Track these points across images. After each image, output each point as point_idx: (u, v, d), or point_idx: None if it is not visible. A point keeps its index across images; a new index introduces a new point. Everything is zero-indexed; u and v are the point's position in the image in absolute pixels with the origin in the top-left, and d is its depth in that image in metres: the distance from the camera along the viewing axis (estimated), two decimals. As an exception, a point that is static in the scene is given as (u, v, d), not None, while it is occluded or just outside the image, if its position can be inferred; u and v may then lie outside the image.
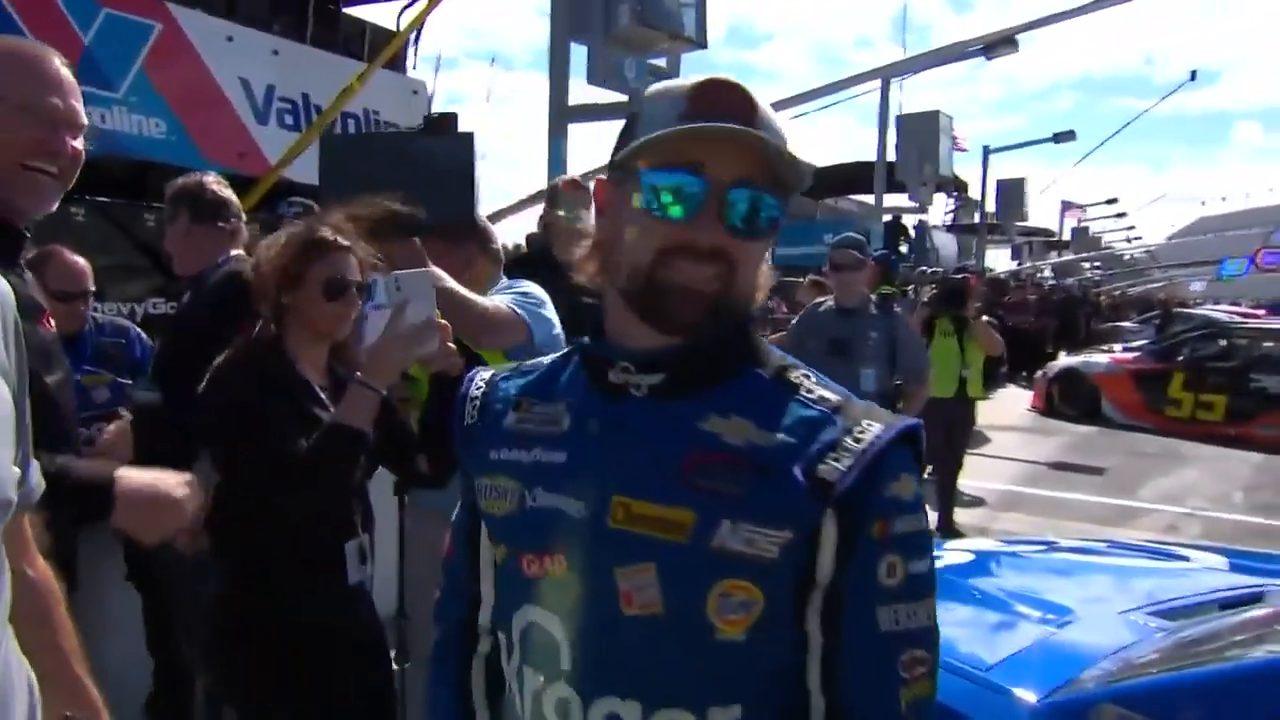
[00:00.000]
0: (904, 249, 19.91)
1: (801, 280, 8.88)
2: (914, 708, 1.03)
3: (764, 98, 1.04)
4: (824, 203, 26.78)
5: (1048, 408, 13.67)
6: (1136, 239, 62.50)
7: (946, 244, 26.28)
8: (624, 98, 7.97)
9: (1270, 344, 12.22)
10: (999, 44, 15.85)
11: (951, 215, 32.02)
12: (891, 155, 20.53)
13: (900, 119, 21.65)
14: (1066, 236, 44.36)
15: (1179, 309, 24.45)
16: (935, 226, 27.71)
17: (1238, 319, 17.15)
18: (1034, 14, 15.24)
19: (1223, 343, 12.73)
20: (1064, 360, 15.37)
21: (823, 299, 5.34)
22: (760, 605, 1.02)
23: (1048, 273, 34.42)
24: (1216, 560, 2.93)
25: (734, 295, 1.04)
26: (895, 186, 21.82)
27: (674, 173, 1.01)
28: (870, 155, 21.41)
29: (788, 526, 1.01)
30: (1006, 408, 13.87)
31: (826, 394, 1.08)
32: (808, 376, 1.10)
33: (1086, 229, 49.68)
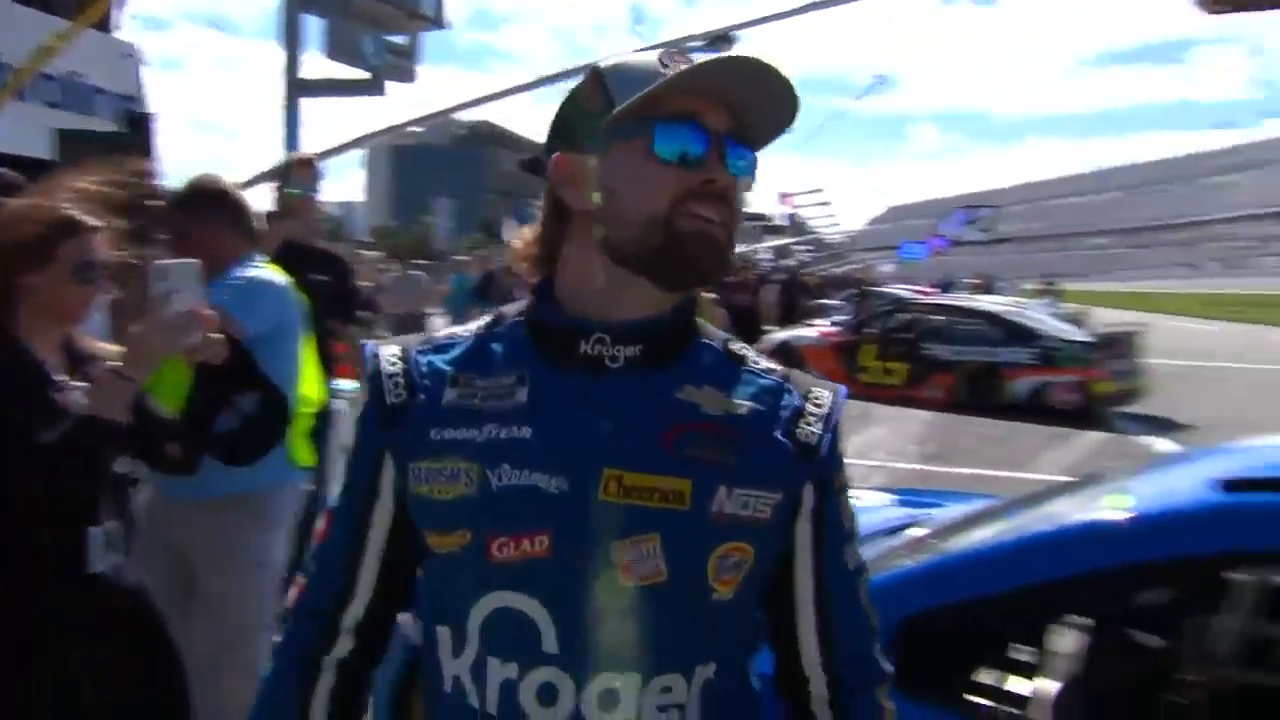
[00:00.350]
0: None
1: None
2: (875, 633, 1.15)
3: None
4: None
5: None
6: (836, 224, 67.67)
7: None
8: (365, 74, 7.72)
9: (937, 318, 13.59)
10: (719, 39, 16.59)
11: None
12: None
13: None
14: (783, 222, 47.12)
15: (872, 288, 26.66)
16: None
17: (917, 296, 18.97)
18: (754, 14, 16.05)
19: (904, 317, 14.04)
20: (778, 334, 16.31)
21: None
22: (750, 563, 1.06)
23: (765, 255, 36.52)
24: (884, 498, 3.33)
25: (732, 247, 1.06)
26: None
27: (683, 123, 1.01)
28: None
29: (778, 488, 1.06)
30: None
31: (769, 364, 1.13)
32: (746, 348, 1.14)
33: (793, 215, 53.07)
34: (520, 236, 1.12)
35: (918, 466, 8.91)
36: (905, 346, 13.29)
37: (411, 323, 14.73)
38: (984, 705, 1.92)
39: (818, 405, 1.10)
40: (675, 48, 1.07)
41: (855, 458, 8.94)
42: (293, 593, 1.19)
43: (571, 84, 1.10)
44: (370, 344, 1.13)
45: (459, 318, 15.94)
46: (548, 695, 1.02)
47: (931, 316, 13.73)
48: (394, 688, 2.42)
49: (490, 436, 1.03)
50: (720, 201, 1.02)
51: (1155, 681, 2.04)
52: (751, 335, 18.42)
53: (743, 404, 1.07)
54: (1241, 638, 2.04)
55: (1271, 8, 7.72)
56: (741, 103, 1.03)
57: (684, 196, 1.01)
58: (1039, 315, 14.05)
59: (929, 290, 29.94)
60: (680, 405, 1.05)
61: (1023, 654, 2.01)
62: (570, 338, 1.05)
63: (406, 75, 14.93)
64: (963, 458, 9.23)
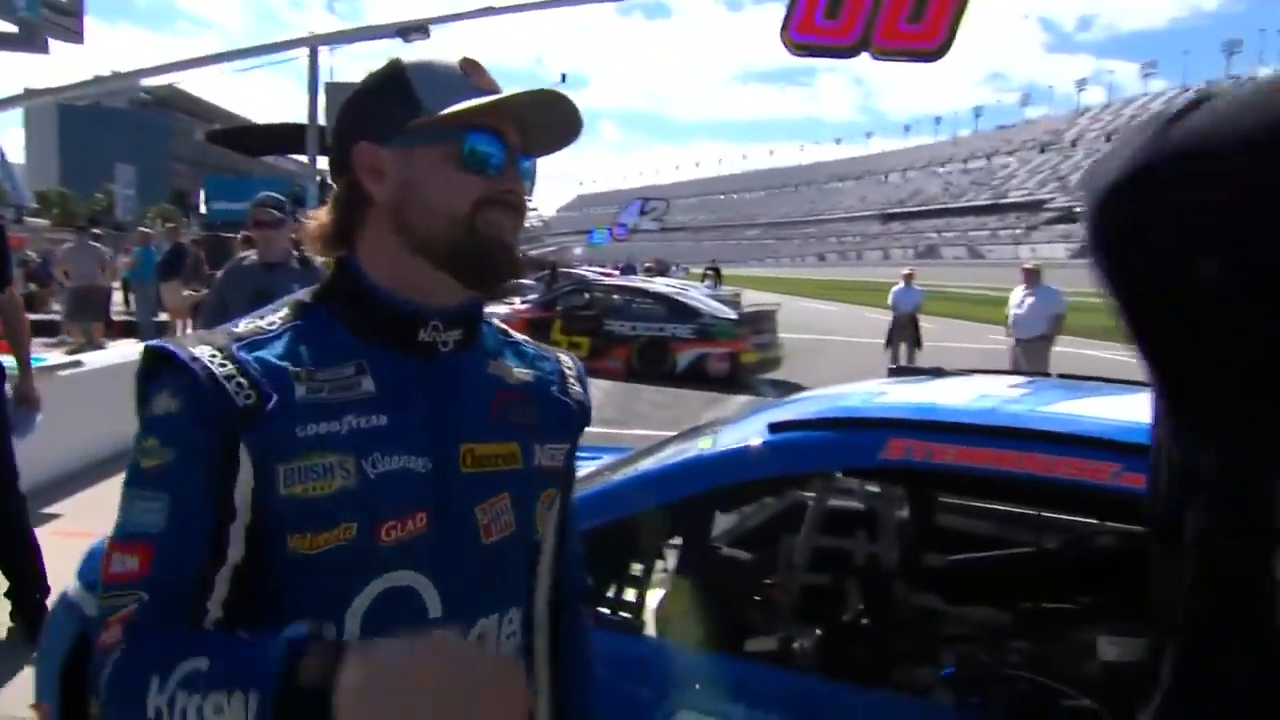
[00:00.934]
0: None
1: (236, 235, 8.47)
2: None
3: None
4: (264, 160, 25.18)
5: None
6: (533, 209, 68.50)
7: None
8: (13, 28, 6.83)
9: (616, 297, 14.26)
10: (412, 30, 16.26)
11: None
12: (324, 119, 19.99)
13: (329, 86, 21.16)
14: None
15: (564, 269, 27.24)
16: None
17: (600, 277, 19.70)
18: (450, 7, 15.85)
19: (587, 296, 14.58)
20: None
21: (246, 253, 5.22)
22: (555, 504, 1.18)
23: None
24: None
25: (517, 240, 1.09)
26: (328, 150, 21.30)
27: (489, 135, 1.01)
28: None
29: (565, 439, 1.17)
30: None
31: (526, 338, 1.23)
32: (500, 324, 1.20)
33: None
34: (314, 217, 1.09)
35: (599, 429, 9.33)
36: (589, 323, 13.78)
37: (91, 297, 13.21)
38: (602, 612, 2.20)
39: (570, 368, 1.23)
40: (475, 61, 1.07)
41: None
42: (109, 634, 0.90)
43: (279, 59, 1.09)
44: (169, 346, 0.97)
45: (145, 292, 14.48)
46: None
47: (612, 296, 14.34)
48: (65, 657, 2.36)
49: (353, 427, 0.98)
50: (514, 210, 1.04)
51: (745, 587, 2.44)
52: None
53: (526, 372, 1.16)
54: (806, 549, 2.51)
55: (843, 56, 8.85)
56: (534, 124, 1.06)
57: (485, 202, 1.01)
58: (700, 296, 15.16)
59: (611, 272, 31.22)
60: (492, 379, 1.11)
61: (637, 570, 2.34)
62: (408, 324, 1.04)
63: (72, 33, 13.26)
64: (637, 421, 9.82)
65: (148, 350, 0.99)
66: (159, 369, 0.97)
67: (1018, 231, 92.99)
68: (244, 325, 1.03)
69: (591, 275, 21.61)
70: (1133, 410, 1.90)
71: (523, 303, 16.39)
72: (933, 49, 8.22)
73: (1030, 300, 10.29)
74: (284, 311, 1.05)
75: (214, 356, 0.97)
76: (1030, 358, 10.17)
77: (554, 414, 1.16)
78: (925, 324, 14.49)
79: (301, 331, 1.02)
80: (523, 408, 1.12)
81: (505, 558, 1.07)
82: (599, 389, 12.23)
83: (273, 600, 0.96)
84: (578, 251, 68.83)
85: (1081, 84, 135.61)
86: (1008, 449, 1.92)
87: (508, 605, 1.09)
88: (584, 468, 3.08)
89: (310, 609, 0.93)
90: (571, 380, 1.21)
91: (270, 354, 0.99)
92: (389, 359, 1.03)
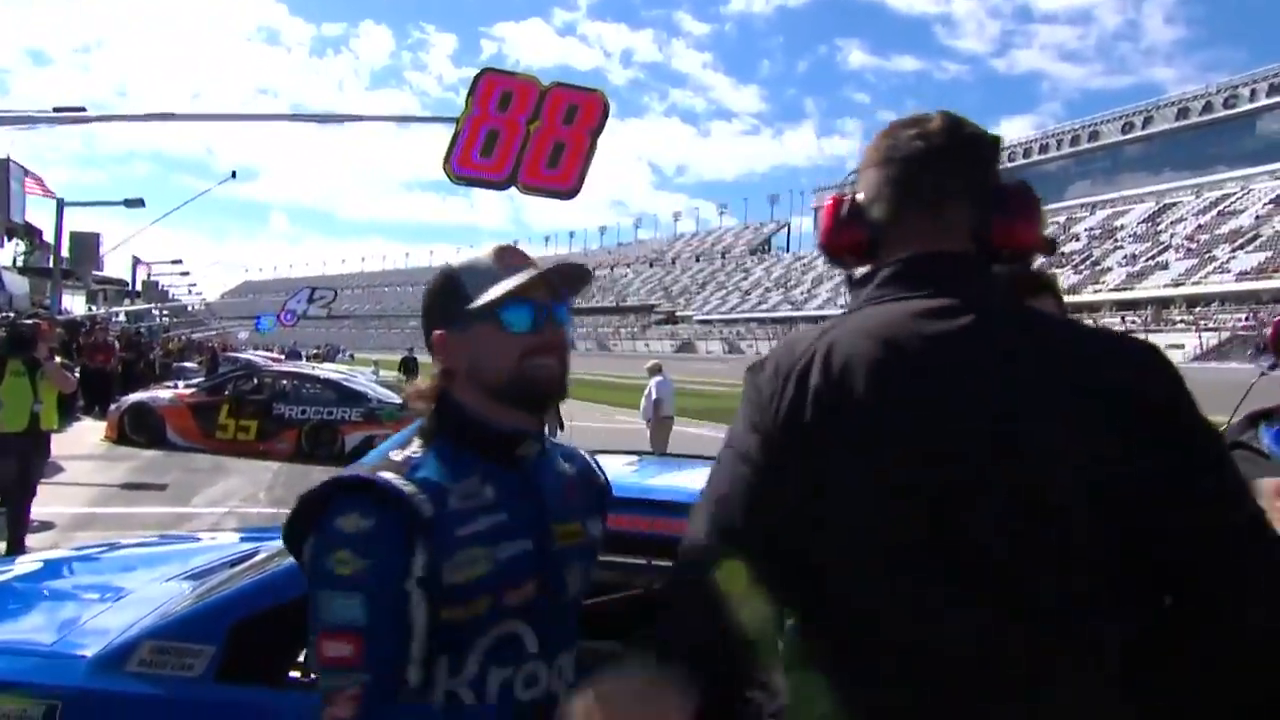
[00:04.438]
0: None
1: None
2: None
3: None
4: None
5: (120, 436, 12.74)
6: (199, 293, 61.47)
7: (19, 285, 22.33)
8: None
9: (285, 382, 13.38)
10: (71, 111, 14.26)
11: (24, 259, 27.27)
12: None
13: None
14: (139, 287, 41.29)
15: (228, 353, 24.86)
16: (5, 268, 23.30)
17: (268, 362, 18.31)
18: (112, 85, 14.08)
19: (255, 380, 13.54)
20: (134, 396, 14.44)
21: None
22: (591, 560, 1.34)
23: (122, 318, 31.67)
24: (234, 537, 3.42)
25: (567, 371, 1.27)
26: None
27: (519, 305, 1.21)
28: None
29: (597, 515, 1.37)
30: (83, 438, 12.61)
31: (559, 441, 1.43)
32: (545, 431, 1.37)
33: (157, 283, 47.04)
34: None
35: (267, 510, 8.69)
36: (257, 406, 12.80)
37: None
38: (295, 678, 2.17)
39: (593, 461, 1.44)
40: (507, 246, 1.30)
41: (209, 505, 8.60)
42: (339, 709, 1.09)
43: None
44: (364, 475, 1.14)
45: None
46: (531, 681, 1.21)
47: (280, 381, 13.46)
48: None
49: (488, 525, 1.18)
50: (553, 350, 1.23)
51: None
52: (106, 395, 15.89)
53: (572, 467, 1.37)
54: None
55: (496, 189, 9.43)
56: (559, 277, 1.27)
57: (529, 352, 1.21)
58: (366, 382, 14.71)
59: (278, 357, 28.99)
60: (560, 474, 1.33)
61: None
62: (510, 442, 1.25)
63: None
64: (305, 499, 9.28)
65: (339, 480, 1.15)
66: (338, 495, 1.14)
67: (635, 329, 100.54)
68: (395, 454, 1.20)
69: (260, 360, 19.98)
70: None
71: (186, 386, 14.78)
72: (566, 189, 8.99)
73: (659, 388, 11.38)
74: (417, 441, 1.22)
75: (402, 482, 1.14)
76: (659, 434, 11.19)
77: (593, 496, 1.38)
78: (566, 407, 15.21)
79: (438, 455, 1.20)
80: (579, 494, 1.34)
81: (575, 609, 1.30)
82: (267, 470, 11.35)
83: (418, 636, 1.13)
84: (243, 336, 62.83)
85: (677, 215, 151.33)
86: (621, 514, 2.22)
87: (571, 644, 1.29)
88: (266, 546, 2.98)
89: (448, 649, 1.15)
90: (595, 470, 1.42)
91: (428, 474, 1.17)
92: (496, 471, 1.22)
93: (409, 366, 24.96)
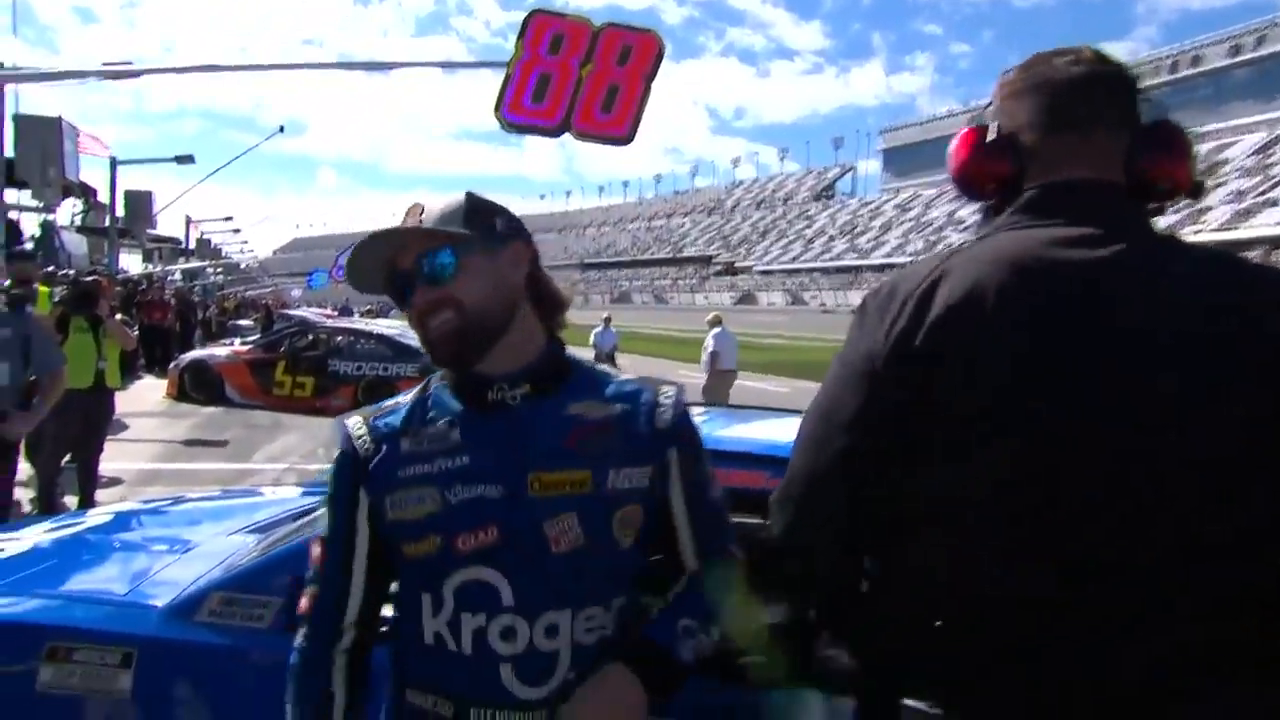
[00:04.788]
0: (29, 247, 17.05)
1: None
2: (730, 535, 1.34)
3: (432, 206, 1.26)
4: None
5: (180, 394, 13.24)
6: (250, 250, 63.02)
7: (77, 245, 23.22)
8: None
9: (340, 338, 13.67)
10: (121, 74, 14.65)
11: (80, 218, 28.26)
12: (11, 152, 17.20)
13: (19, 119, 18.22)
14: (192, 245, 42.50)
15: (282, 310, 25.52)
16: (64, 228, 24.22)
17: (322, 319, 18.73)
18: (159, 42, 14.36)
19: (311, 337, 13.84)
20: (192, 353, 15.01)
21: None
22: (640, 517, 1.25)
23: (178, 276, 32.73)
24: (295, 492, 3.54)
25: (470, 326, 1.22)
26: (18, 184, 18.37)
27: (396, 275, 1.26)
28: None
29: (649, 462, 1.26)
30: (144, 395, 13.14)
31: (626, 375, 1.33)
32: (604, 368, 1.34)
33: (209, 240, 48.34)
34: None
35: (327, 466, 8.92)
36: (312, 363, 13.13)
37: None
38: None
39: (666, 399, 1.30)
40: (410, 207, 1.28)
41: (269, 462, 8.89)
42: (304, 602, 1.31)
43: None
44: (345, 415, 1.33)
45: None
46: (508, 634, 1.20)
47: (335, 337, 13.75)
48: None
49: (441, 468, 1.22)
50: (433, 310, 1.23)
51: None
52: (165, 353, 16.56)
53: (615, 406, 1.27)
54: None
55: (548, 136, 9.39)
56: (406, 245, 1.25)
57: (419, 319, 1.25)
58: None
59: (331, 313, 29.65)
60: (570, 417, 1.25)
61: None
62: (479, 387, 1.26)
63: None
64: (363, 455, 9.54)
65: (339, 418, 1.33)
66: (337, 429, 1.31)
67: (693, 281, 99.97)
68: (403, 397, 1.32)
69: (314, 317, 20.48)
70: (777, 431, 2.18)
71: (243, 344, 15.24)
72: (621, 135, 8.89)
73: (717, 340, 11.36)
74: (419, 387, 1.32)
75: (357, 424, 1.30)
76: (720, 389, 11.20)
77: (632, 443, 1.26)
78: (622, 360, 15.31)
79: (418, 401, 1.29)
80: (602, 438, 1.25)
81: (578, 565, 1.21)
82: (325, 427, 11.52)
83: (401, 578, 1.27)
84: (295, 293, 64.27)
85: (736, 161, 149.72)
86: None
87: (583, 604, 1.21)
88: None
89: (421, 586, 1.23)
90: (661, 408, 1.29)
91: (393, 419, 1.28)
92: (473, 416, 1.25)
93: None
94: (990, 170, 1.17)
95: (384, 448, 1.26)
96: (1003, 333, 1.02)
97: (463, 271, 1.22)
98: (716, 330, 11.55)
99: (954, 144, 1.21)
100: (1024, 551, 1.00)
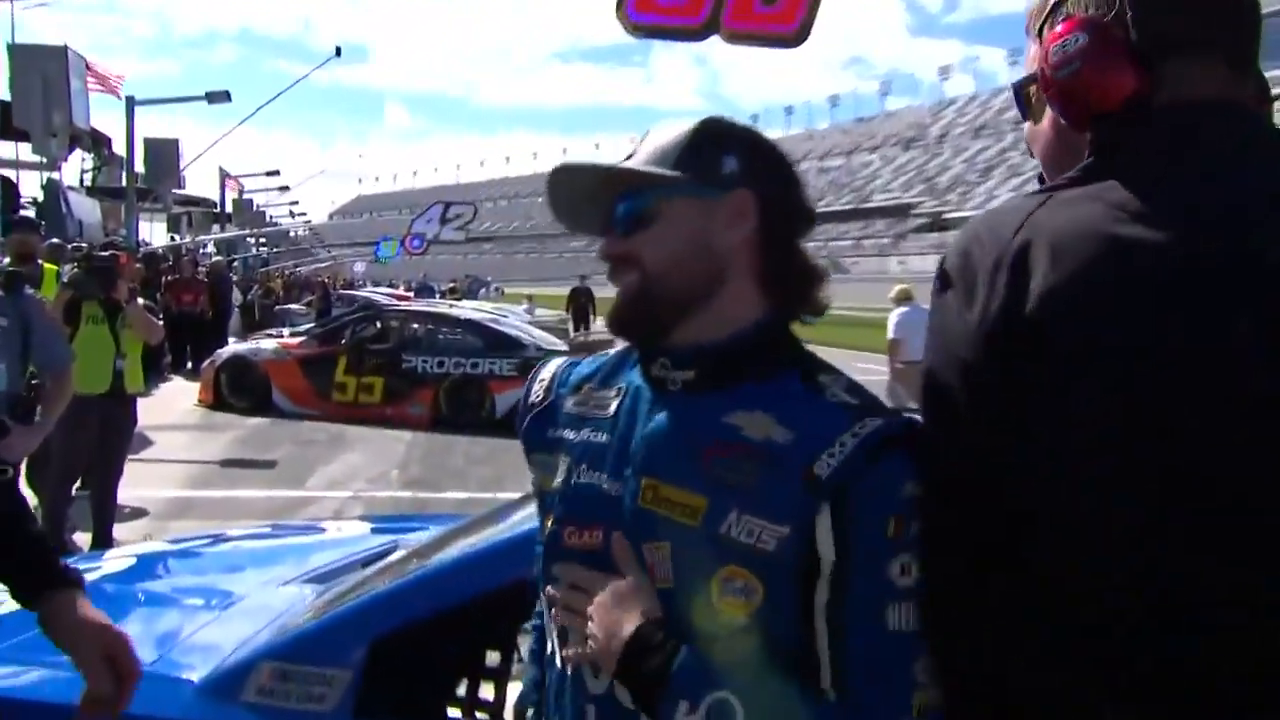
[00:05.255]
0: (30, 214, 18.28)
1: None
2: (924, 713, 1.16)
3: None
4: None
5: (217, 400, 13.91)
6: (302, 214, 66.00)
7: (89, 210, 24.82)
8: None
9: (417, 326, 14.15)
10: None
11: (91, 176, 30.28)
12: (6, 93, 18.35)
13: (14, 50, 19.42)
14: (229, 208, 44.31)
15: (343, 290, 26.62)
16: (72, 188, 26.01)
17: (394, 301, 19.38)
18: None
19: (379, 325, 14.37)
20: (232, 347, 15.81)
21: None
22: (761, 594, 1.19)
23: (211, 248, 34.70)
24: (363, 528, 3.61)
25: (649, 293, 1.29)
26: (15, 134, 19.67)
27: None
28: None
29: (786, 522, 1.18)
30: (172, 402, 13.94)
31: (851, 398, 1.25)
32: (838, 382, 1.27)
33: (250, 201, 50.60)
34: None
35: (402, 493, 9.30)
36: (382, 359, 13.59)
37: None
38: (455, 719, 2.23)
39: (854, 435, 1.19)
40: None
41: (328, 488, 9.22)
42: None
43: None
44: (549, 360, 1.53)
45: None
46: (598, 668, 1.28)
47: (411, 325, 14.24)
48: None
49: (583, 439, 1.35)
50: (613, 271, 1.34)
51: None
52: (199, 347, 17.46)
53: (789, 431, 1.21)
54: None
55: (689, 39, 9.24)
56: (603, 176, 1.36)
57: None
58: (518, 323, 15.24)
59: (405, 294, 30.70)
60: (722, 427, 1.24)
61: (493, 661, 2.37)
62: (646, 358, 1.35)
63: None
64: (451, 481, 9.80)
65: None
66: None
67: (884, 241, 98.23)
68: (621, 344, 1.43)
69: (383, 299, 21.25)
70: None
71: (294, 334, 15.90)
72: (790, 33, 8.65)
73: (902, 323, 10.94)
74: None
75: (553, 365, 1.49)
76: (906, 386, 10.78)
77: (775, 485, 1.19)
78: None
79: (623, 355, 1.42)
80: (744, 466, 1.22)
81: (667, 610, 1.23)
82: (399, 442, 12.05)
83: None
84: (359, 268, 67.16)
85: (945, 72, 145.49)
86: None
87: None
88: (405, 539, 3.10)
89: (544, 571, 1.38)
90: (838, 449, 1.19)
91: (585, 370, 1.44)
92: (639, 389, 1.34)
93: (580, 303, 25.43)
94: (1108, 84, 1.21)
95: (553, 398, 1.43)
96: (1126, 303, 1.10)
97: (655, 222, 1.29)
98: (904, 309, 11.11)
99: (1045, 44, 1.25)
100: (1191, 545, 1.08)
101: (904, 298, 11.33)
